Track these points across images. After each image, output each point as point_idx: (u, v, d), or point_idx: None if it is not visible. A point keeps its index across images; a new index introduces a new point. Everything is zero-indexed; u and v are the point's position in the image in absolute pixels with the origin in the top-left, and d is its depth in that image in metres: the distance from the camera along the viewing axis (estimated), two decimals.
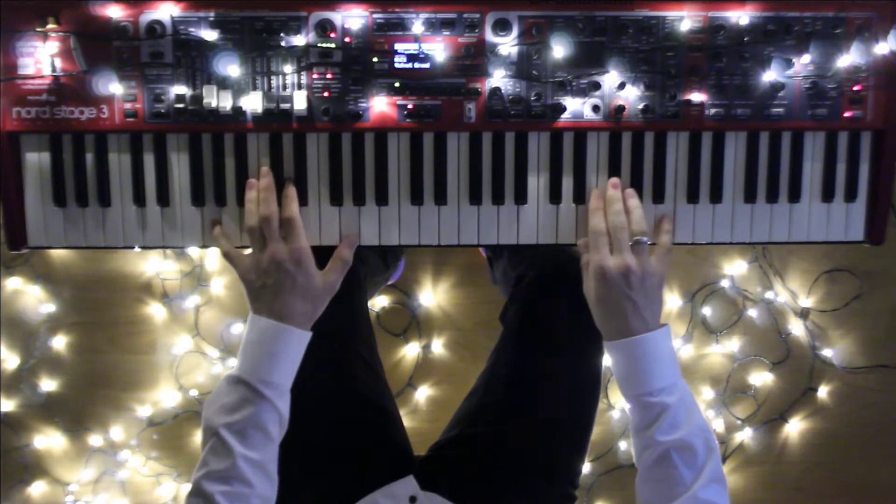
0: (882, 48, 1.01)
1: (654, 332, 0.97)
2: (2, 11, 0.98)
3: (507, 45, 1.01)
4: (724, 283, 1.86)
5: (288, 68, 1.00)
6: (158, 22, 0.99)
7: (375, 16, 1.00)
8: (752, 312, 1.87)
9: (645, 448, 0.95)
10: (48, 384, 1.85)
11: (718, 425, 1.90)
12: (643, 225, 1.00)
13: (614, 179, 1.03)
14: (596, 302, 0.99)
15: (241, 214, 1.03)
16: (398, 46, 1.00)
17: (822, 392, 1.91)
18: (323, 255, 1.02)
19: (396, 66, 1.01)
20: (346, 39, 1.00)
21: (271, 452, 0.94)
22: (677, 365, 0.98)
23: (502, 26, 1.00)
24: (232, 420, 0.92)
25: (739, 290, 1.86)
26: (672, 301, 1.86)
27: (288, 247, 0.97)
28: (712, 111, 1.03)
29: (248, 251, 1.01)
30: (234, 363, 1.84)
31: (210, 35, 0.99)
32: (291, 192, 1.01)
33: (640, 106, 1.02)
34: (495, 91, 1.01)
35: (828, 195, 1.06)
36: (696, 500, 0.90)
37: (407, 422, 1.24)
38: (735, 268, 1.85)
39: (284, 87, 1.01)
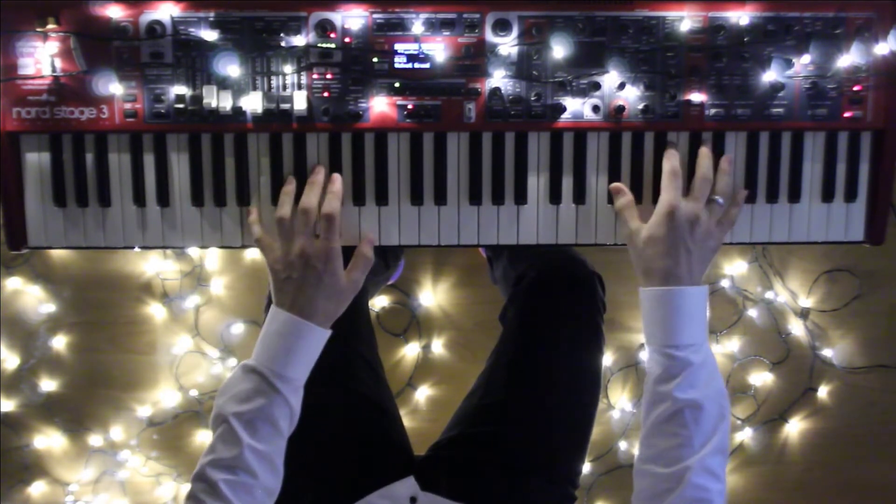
0: (882, 48, 1.01)
1: (696, 287, 0.96)
2: (2, 11, 0.98)
3: (507, 45, 1.01)
4: (724, 283, 1.86)
5: (288, 68, 1.00)
6: (158, 22, 0.99)
7: (375, 16, 1.00)
8: (752, 312, 1.87)
9: (658, 402, 0.94)
10: (48, 384, 1.85)
11: None
12: (727, 190, 1.02)
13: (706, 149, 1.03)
14: (650, 240, 0.97)
15: (243, 214, 1.03)
16: (398, 46, 1.00)
17: (822, 392, 1.91)
18: (346, 252, 1.01)
19: (396, 66, 1.01)
20: (346, 39, 1.00)
21: (279, 445, 0.94)
22: (707, 327, 0.97)
23: (502, 26, 1.00)
24: (242, 409, 0.91)
25: (739, 290, 1.86)
26: None
27: (319, 244, 0.97)
28: (712, 111, 1.03)
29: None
30: (233, 363, 1.84)
31: (210, 35, 0.99)
32: (337, 187, 1.01)
33: (640, 106, 1.02)
34: (495, 91, 1.01)
35: (828, 195, 1.06)
36: (703, 467, 0.89)
37: (407, 422, 1.24)
38: (735, 268, 1.85)
39: (284, 87, 1.01)
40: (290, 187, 1.00)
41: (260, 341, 0.96)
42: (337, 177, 1.02)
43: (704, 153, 1.02)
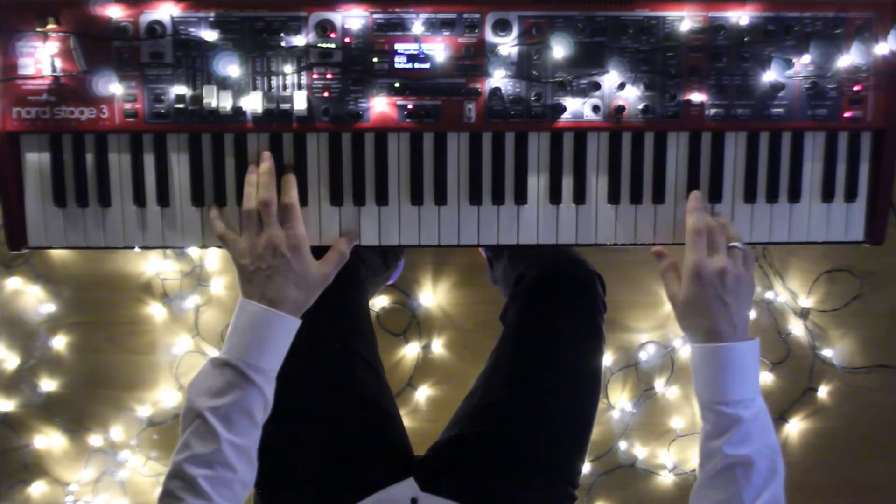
0: (882, 48, 1.01)
1: (743, 343, 0.95)
2: (2, 11, 0.98)
3: (507, 45, 1.01)
4: None
5: (288, 68, 1.00)
6: (158, 22, 0.99)
7: (375, 16, 1.00)
8: (752, 313, 1.87)
9: (710, 457, 0.94)
10: (48, 384, 1.85)
11: None
12: (738, 232, 1.01)
13: (697, 193, 1.03)
14: (686, 302, 0.97)
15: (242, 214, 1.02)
16: (398, 46, 1.00)
17: (822, 392, 1.91)
18: (322, 253, 1.02)
19: (396, 66, 1.01)
20: (346, 39, 1.00)
21: (255, 437, 0.94)
22: (759, 380, 0.97)
23: (502, 26, 1.00)
24: (218, 404, 0.91)
25: None
26: None
27: (285, 232, 0.97)
28: (712, 111, 1.03)
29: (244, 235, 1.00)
30: None
31: (210, 35, 0.99)
32: (291, 178, 1.01)
33: (640, 106, 1.02)
34: (495, 91, 1.01)
35: (828, 195, 1.06)
36: None
37: (407, 422, 1.24)
38: None
39: (284, 87, 1.01)
40: (254, 177, 1.00)
41: (230, 334, 0.95)
42: (290, 176, 1.01)
43: (695, 197, 1.02)
